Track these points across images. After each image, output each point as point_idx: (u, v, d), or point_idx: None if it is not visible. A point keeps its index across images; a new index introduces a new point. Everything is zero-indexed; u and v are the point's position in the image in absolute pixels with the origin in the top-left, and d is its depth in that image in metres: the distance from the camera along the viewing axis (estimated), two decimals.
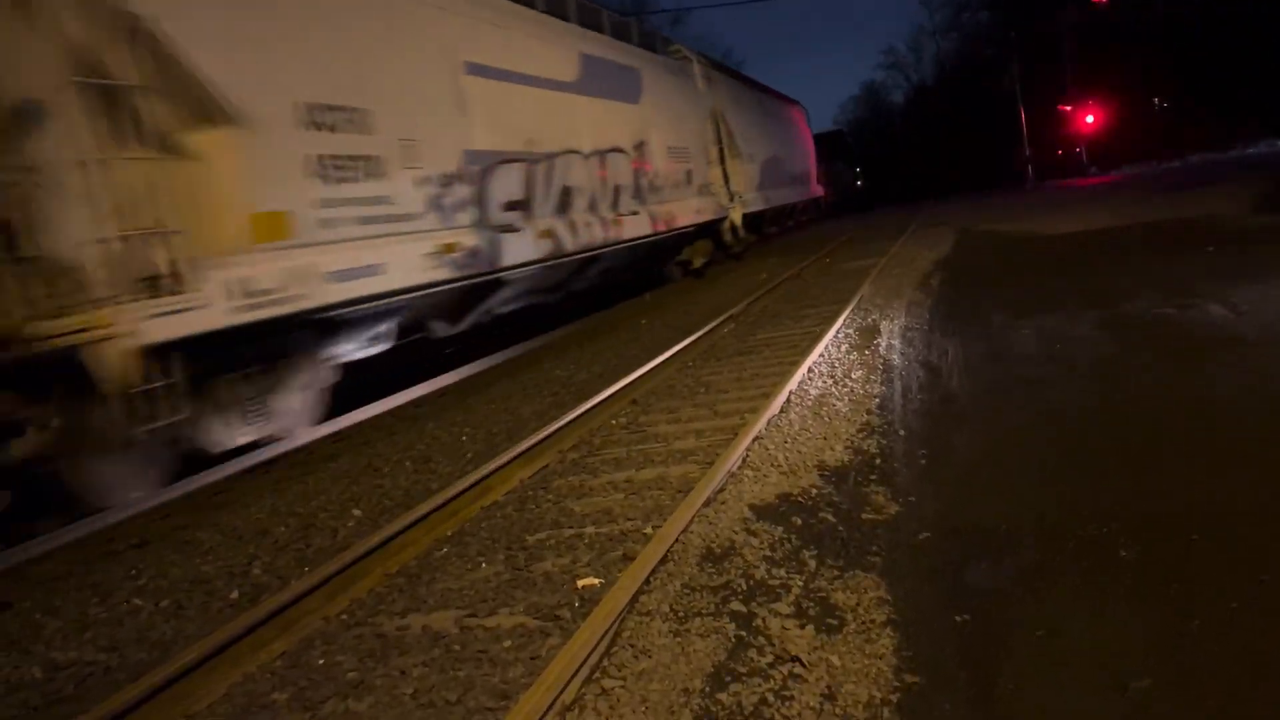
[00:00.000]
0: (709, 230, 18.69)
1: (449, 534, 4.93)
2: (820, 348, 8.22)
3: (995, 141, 51.64)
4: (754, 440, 5.60)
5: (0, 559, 5.46)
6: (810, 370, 7.44)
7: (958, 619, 3.18)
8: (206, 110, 6.28)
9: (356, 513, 5.66)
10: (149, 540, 5.71)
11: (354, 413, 8.34)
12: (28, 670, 4.07)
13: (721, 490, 4.78)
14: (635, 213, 13.96)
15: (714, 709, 2.83)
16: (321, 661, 3.64)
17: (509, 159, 10.25)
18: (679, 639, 3.25)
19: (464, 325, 10.20)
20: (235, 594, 4.60)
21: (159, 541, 5.65)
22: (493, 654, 3.44)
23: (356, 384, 8.73)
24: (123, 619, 4.49)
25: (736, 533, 4.19)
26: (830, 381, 7.00)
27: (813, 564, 3.80)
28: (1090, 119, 44.08)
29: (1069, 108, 44.44)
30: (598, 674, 3.09)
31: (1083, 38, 44.95)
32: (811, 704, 2.79)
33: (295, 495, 6.19)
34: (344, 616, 4.05)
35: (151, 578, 4.99)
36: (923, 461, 4.96)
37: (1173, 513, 3.76)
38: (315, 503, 5.96)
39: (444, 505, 5.08)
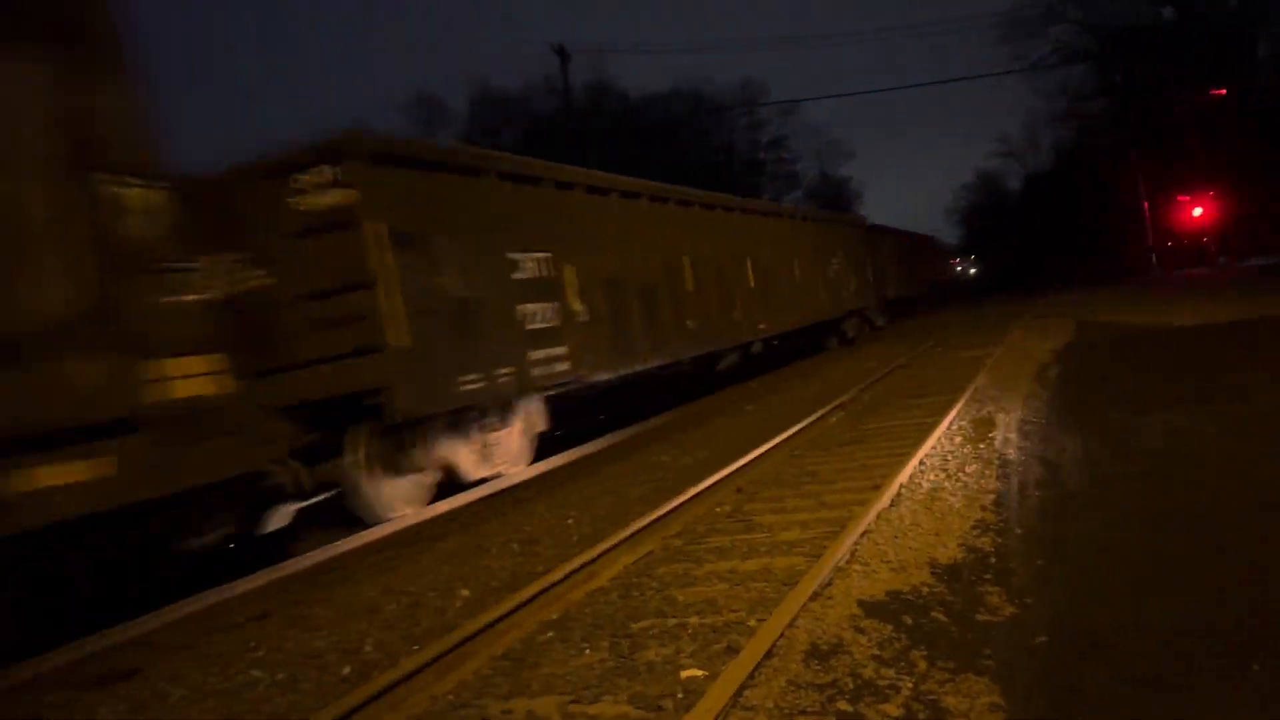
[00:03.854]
0: None
1: (554, 618, 4.97)
2: (932, 440, 8.06)
3: (1116, 230, 50.31)
4: (862, 534, 5.50)
5: (131, 627, 5.74)
6: (922, 463, 7.29)
7: None
8: None
9: (464, 593, 5.75)
10: (268, 614, 5.92)
11: (464, 494, 8.53)
12: None
13: (829, 585, 4.70)
14: None
15: None
16: None
17: None
18: None
19: None
20: (347, 669, 4.71)
21: (276, 615, 5.85)
22: None
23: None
24: (241, 690, 4.64)
25: (844, 629, 4.11)
26: (943, 475, 6.84)
27: (923, 665, 3.69)
28: (1198, 211, 42.42)
29: (1187, 198, 42.98)
30: None
31: (1207, 123, 43.73)
32: None
33: (406, 574, 6.34)
34: (450, 696, 4.10)
35: (269, 650, 5.16)
36: (1040, 562, 4.79)
37: None
38: (424, 581, 6.09)
39: (549, 589, 5.13)
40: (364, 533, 7.30)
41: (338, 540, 7.22)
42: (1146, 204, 44.67)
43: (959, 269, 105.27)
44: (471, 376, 8.59)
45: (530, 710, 3.83)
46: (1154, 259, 44.54)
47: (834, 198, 71.04)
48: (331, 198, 7.72)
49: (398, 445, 8.13)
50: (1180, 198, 43.62)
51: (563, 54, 30.22)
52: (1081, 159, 56.66)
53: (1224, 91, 40.87)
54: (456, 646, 4.38)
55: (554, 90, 43.16)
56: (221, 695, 4.61)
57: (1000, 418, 9.02)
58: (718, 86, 63.23)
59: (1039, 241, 62.77)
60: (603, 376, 11.40)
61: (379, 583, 6.20)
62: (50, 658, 5.28)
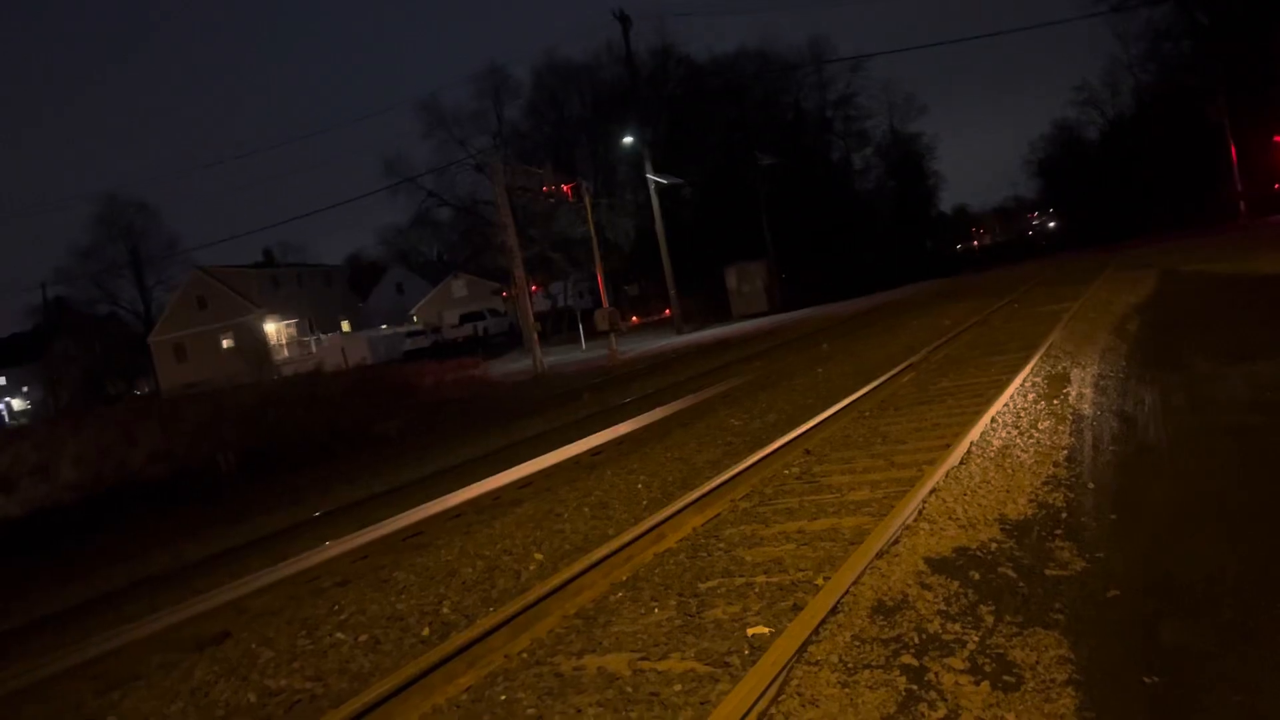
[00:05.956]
0: None
1: (624, 579, 5.07)
2: (1005, 397, 7.94)
3: (1203, 176, 48.34)
4: (931, 492, 5.48)
5: (223, 592, 6.01)
6: (994, 420, 7.20)
7: (1147, 680, 3.02)
8: None
9: (538, 556, 5.89)
10: (350, 579, 6.15)
11: (538, 459, 8.69)
12: (244, 695, 4.46)
13: (895, 542, 4.70)
14: None
15: None
16: (504, 697, 3.82)
17: None
18: (847, 690, 3.24)
19: None
20: (426, 630, 4.89)
21: (359, 580, 6.07)
22: (664, 697, 3.52)
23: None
24: (326, 651, 4.85)
25: (910, 586, 4.12)
26: (1015, 432, 6.75)
27: (990, 619, 3.69)
28: None
29: None
30: None
31: None
32: None
33: (483, 538, 6.51)
34: (524, 655, 4.24)
35: (352, 614, 5.37)
36: (1113, 516, 4.72)
37: None
38: (500, 546, 6.25)
39: (619, 550, 5.23)
40: (442, 499, 7.51)
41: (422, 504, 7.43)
42: (1234, 148, 42.78)
43: (1036, 223, 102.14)
44: None
45: (601, 667, 3.93)
46: (1241, 205, 42.70)
47: (905, 155, 69.57)
48: None
49: None
50: (1277, 138, 41.65)
51: (624, 19, 30.07)
52: (1165, 103, 54.46)
53: None
54: (531, 607, 4.51)
55: (619, 57, 43.05)
56: (308, 656, 4.82)
57: (1076, 373, 8.84)
58: (785, 45, 62.23)
59: (1121, 191, 60.58)
60: None
61: (457, 547, 6.39)
62: (148, 622, 5.57)
